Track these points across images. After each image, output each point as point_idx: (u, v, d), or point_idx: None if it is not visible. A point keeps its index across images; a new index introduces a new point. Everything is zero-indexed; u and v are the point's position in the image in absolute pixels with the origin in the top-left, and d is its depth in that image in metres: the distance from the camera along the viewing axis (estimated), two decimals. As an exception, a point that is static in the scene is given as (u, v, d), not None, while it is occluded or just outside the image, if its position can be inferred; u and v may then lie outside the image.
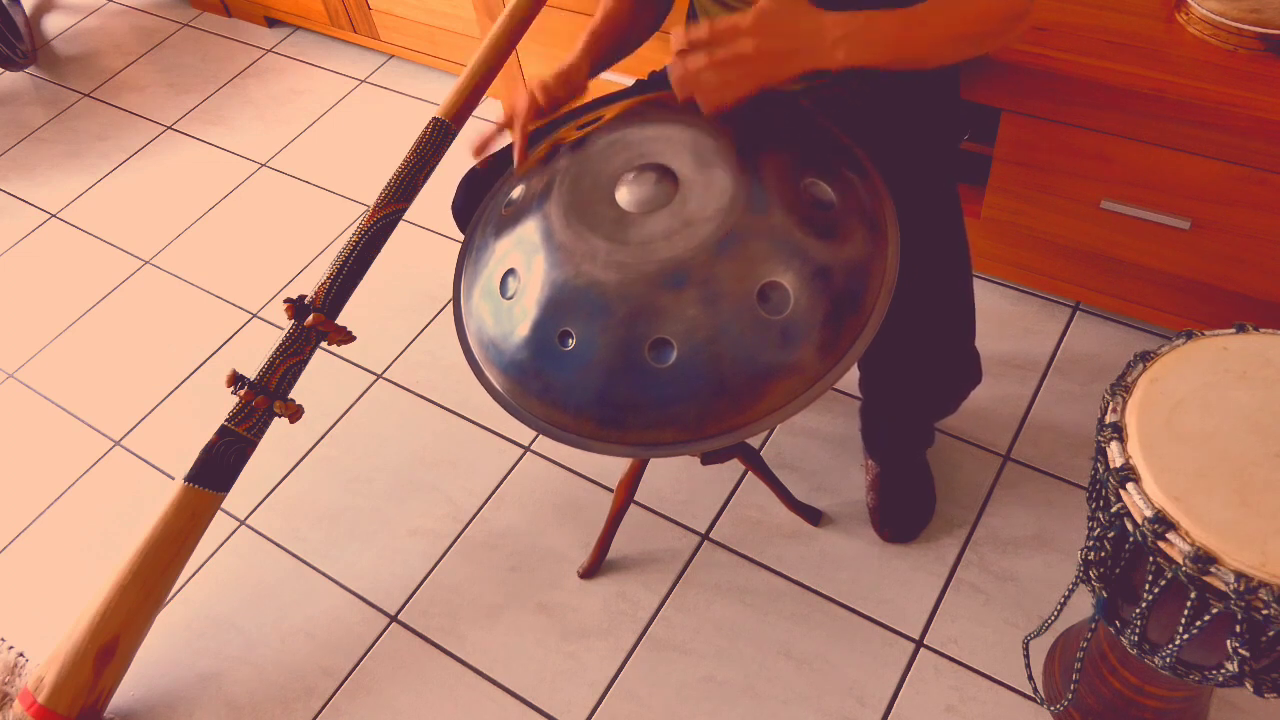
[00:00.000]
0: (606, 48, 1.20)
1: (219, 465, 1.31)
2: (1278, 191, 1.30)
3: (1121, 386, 0.91)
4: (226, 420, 1.31)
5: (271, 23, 2.65)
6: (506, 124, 1.12)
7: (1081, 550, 0.95)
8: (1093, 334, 1.66)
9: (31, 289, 2.08)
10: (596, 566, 1.48)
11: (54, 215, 2.23)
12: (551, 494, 1.59)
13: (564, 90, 1.12)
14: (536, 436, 1.67)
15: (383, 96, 2.39)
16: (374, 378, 1.80)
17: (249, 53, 2.59)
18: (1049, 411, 1.57)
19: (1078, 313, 1.70)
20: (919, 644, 1.36)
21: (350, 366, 1.82)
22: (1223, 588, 0.79)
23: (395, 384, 1.79)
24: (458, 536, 1.56)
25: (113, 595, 1.29)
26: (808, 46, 0.91)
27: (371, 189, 2.15)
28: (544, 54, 1.91)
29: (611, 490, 1.57)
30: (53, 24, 2.81)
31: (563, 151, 1.04)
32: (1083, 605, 1.26)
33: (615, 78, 1.61)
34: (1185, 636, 0.85)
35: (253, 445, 1.33)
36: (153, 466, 1.72)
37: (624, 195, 0.96)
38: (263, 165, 2.27)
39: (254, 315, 1.95)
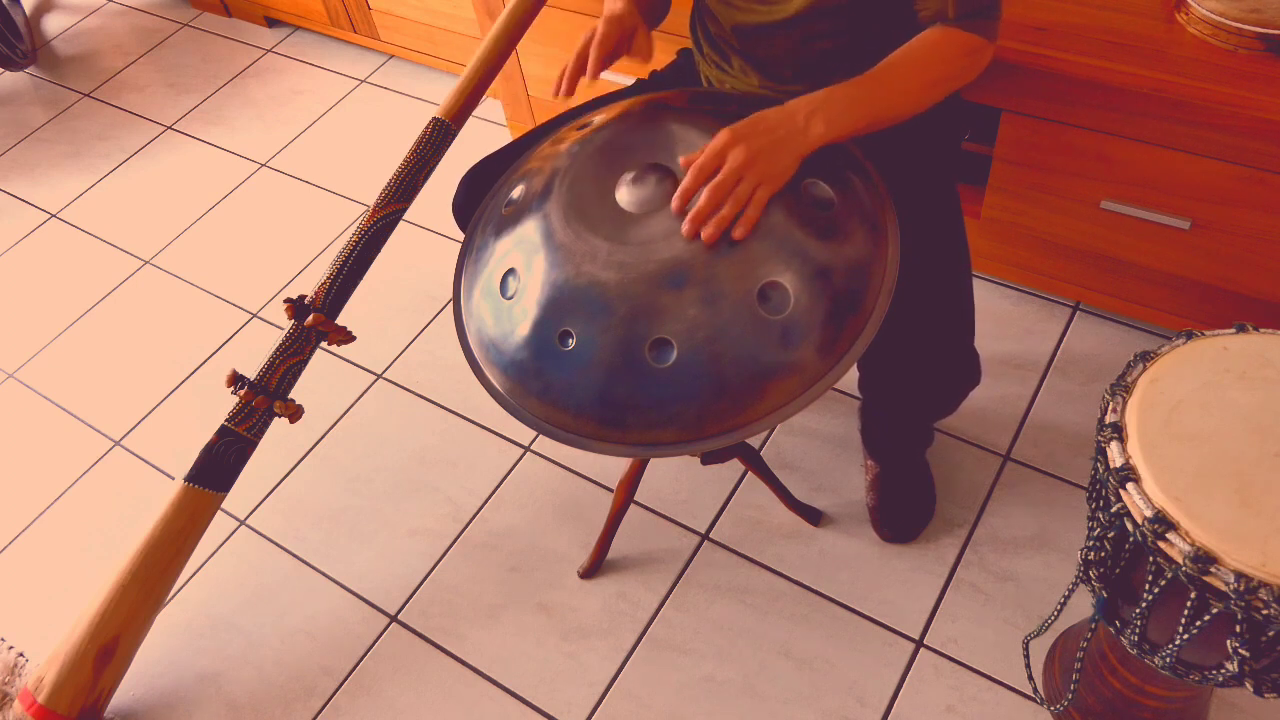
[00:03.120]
0: (643, 9, 1.20)
1: (219, 465, 1.31)
2: (1278, 191, 1.30)
3: (1121, 386, 0.91)
4: (226, 420, 1.31)
5: (271, 23, 2.65)
6: (583, 51, 1.12)
7: (1081, 550, 0.96)
8: (1093, 334, 1.66)
9: (31, 289, 2.08)
10: (596, 566, 1.48)
11: (54, 215, 2.23)
12: (551, 494, 1.59)
13: (621, 29, 1.13)
14: (536, 436, 1.67)
15: (383, 96, 2.39)
16: (374, 378, 1.80)
17: (249, 53, 2.59)
18: (1049, 411, 1.57)
19: (1078, 313, 1.70)
20: (919, 644, 1.36)
21: (350, 366, 1.82)
22: (1223, 588, 0.79)
23: (395, 384, 1.79)
24: (458, 536, 1.56)
25: (113, 595, 1.29)
26: (787, 133, 0.94)
27: (371, 189, 2.15)
28: (544, 54, 1.91)
29: (611, 490, 1.57)
30: (53, 24, 2.81)
31: (563, 151, 1.04)
32: (1083, 605, 1.26)
33: (615, 77, 1.62)
34: (1185, 636, 0.85)
35: (253, 445, 1.33)
36: (153, 466, 1.72)
37: (624, 195, 0.96)
38: (263, 165, 2.27)
39: (254, 315, 1.95)
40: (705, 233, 0.90)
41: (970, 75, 1.04)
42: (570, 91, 1.11)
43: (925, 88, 1.01)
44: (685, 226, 0.90)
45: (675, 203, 0.92)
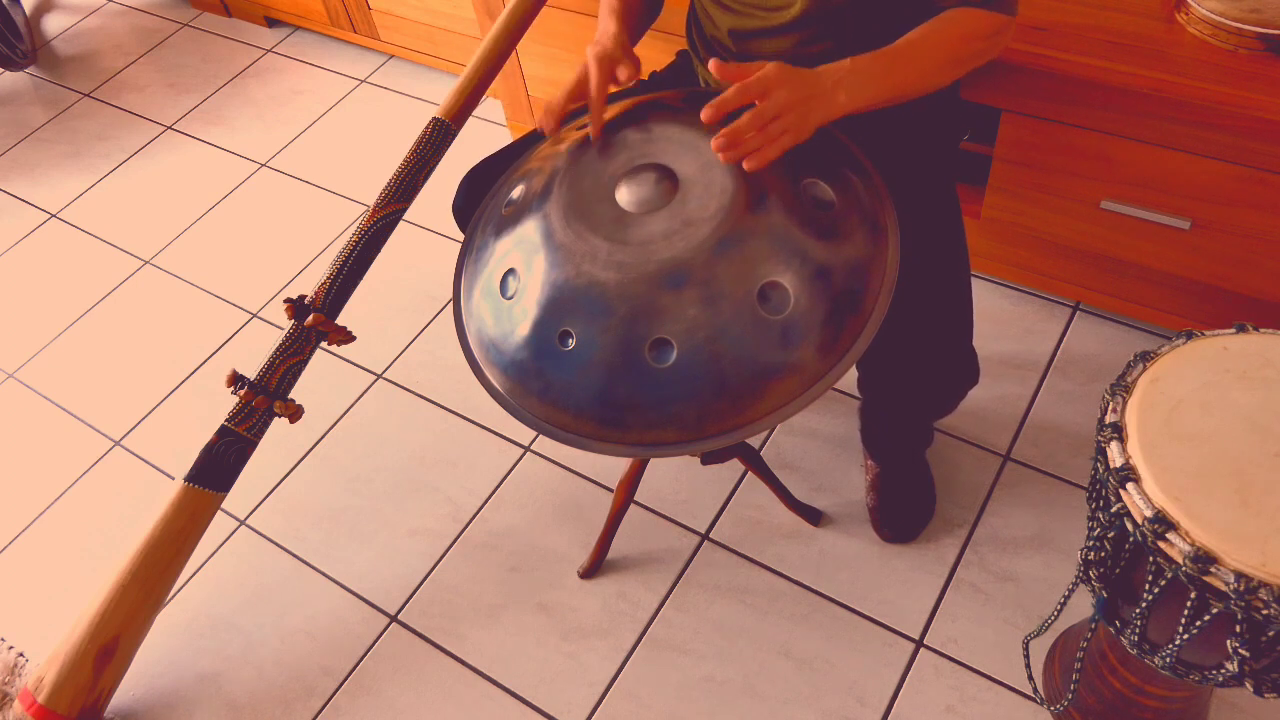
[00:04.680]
0: (633, 22, 1.18)
1: (219, 465, 1.31)
2: (1278, 191, 1.30)
3: (1121, 386, 0.91)
4: (226, 420, 1.31)
5: (271, 23, 2.65)
6: (578, 95, 1.07)
7: (1081, 550, 0.96)
8: (1093, 334, 1.66)
9: (31, 289, 2.08)
10: (596, 566, 1.48)
11: (54, 215, 2.23)
12: (551, 494, 1.59)
13: (622, 55, 1.08)
14: (536, 436, 1.67)
15: (383, 96, 2.39)
16: (374, 378, 1.80)
17: (249, 53, 2.59)
18: (1049, 411, 1.57)
19: (1078, 313, 1.70)
20: (919, 644, 1.36)
21: (350, 366, 1.82)
22: (1223, 588, 0.79)
23: (395, 384, 1.79)
24: (458, 536, 1.56)
25: (113, 595, 1.29)
26: (817, 92, 0.95)
27: (371, 189, 2.15)
28: (544, 54, 1.91)
29: (611, 490, 1.57)
30: (53, 24, 2.81)
31: (563, 151, 1.04)
32: (1083, 605, 1.26)
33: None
34: (1185, 636, 0.85)
35: (253, 445, 1.33)
36: (153, 466, 1.72)
37: (624, 195, 0.96)
38: (263, 165, 2.27)
39: (254, 315, 1.95)
40: (727, 154, 0.91)
41: (993, 53, 1.06)
42: (554, 131, 1.07)
43: (947, 66, 1.02)
44: (717, 140, 0.91)
45: (708, 112, 0.92)
